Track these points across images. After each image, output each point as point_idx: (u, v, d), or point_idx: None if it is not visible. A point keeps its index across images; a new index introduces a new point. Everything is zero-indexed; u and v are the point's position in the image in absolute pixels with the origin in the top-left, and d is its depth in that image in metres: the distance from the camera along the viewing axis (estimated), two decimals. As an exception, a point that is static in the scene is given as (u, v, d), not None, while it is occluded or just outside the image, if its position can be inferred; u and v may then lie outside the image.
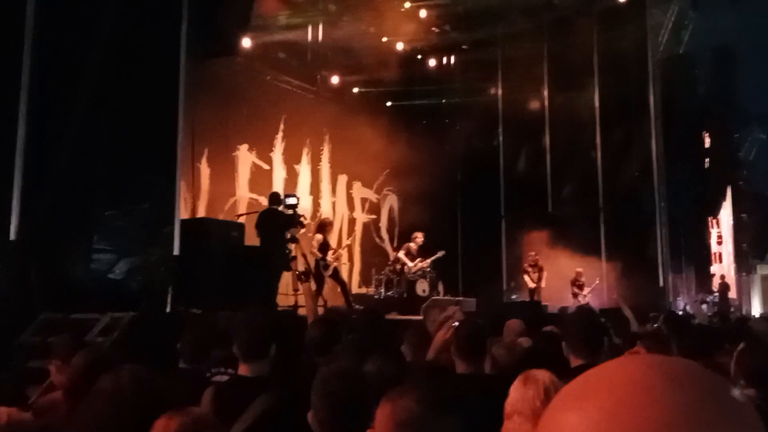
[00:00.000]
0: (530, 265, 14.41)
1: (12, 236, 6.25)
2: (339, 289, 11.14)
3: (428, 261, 12.76)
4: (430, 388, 1.80)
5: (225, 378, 3.42)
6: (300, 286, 8.59)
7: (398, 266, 12.86)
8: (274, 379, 3.04)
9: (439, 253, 12.87)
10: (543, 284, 14.25)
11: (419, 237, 12.88)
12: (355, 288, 14.35)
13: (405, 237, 13.96)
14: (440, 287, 13.94)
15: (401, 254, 12.89)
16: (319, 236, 11.03)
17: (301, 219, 10.13)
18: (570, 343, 3.36)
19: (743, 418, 0.53)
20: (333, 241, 11.96)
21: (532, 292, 14.30)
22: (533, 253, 14.63)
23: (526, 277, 14.49)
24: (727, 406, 0.53)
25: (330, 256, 10.92)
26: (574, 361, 3.28)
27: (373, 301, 12.47)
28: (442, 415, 1.75)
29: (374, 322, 4.31)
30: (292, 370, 3.39)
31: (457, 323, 3.59)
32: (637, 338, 4.69)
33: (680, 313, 12.63)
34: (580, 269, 14.58)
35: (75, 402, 2.54)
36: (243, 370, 3.02)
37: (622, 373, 0.55)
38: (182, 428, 1.83)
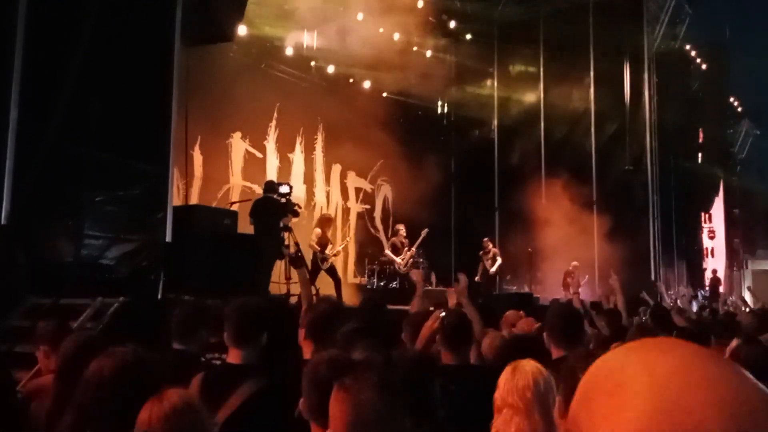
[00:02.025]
0: (484, 252, 13.84)
1: (2, 220, 6.20)
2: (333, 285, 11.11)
3: (414, 248, 12.61)
4: (382, 374, 1.70)
5: (218, 362, 3.42)
6: (294, 273, 8.55)
7: (390, 267, 12.74)
8: (262, 366, 3.03)
9: (423, 233, 12.59)
10: (493, 270, 13.61)
11: (401, 230, 12.68)
12: (350, 278, 14.34)
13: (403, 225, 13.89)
14: (433, 278, 13.94)
15: (387, 252, 12.72)
16: (318, 230, 11.00)
17: (296, 208, 10.11)
18: (550, 334, 3.42)
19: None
20: (331, 235, 11.88)
21: (487, 279, 13.76)
22: (486, 239, 14.22)
23: (481, 265, 13.70)
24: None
25: (329, 251, 10.91)
26: (555, 353, 3.33)
27: (366, 292, 12.46)
28: (396, 403, 1.65)
29: (375, 312, 4.30)
30: (281, 357, 3.38)
31: (443, 313, 3.59)
32: (626, 331, 4.70)
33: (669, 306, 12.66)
34: (575, 263, 14.59)
35: (64, 386, 2.54)
36: (233, 356, 3.01)
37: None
38: (165, 413, 1.85)
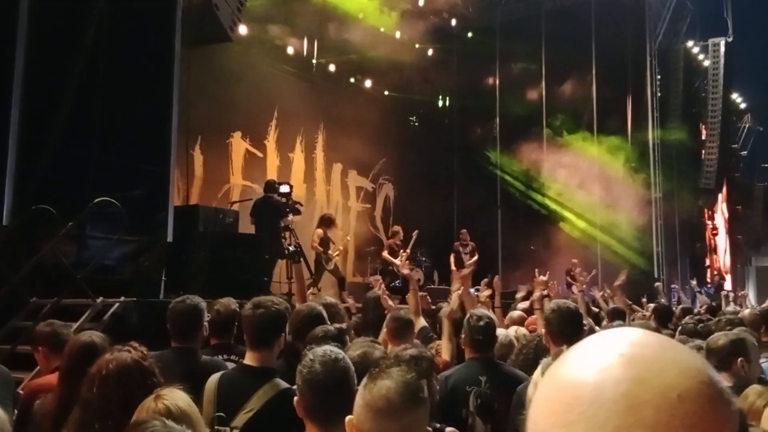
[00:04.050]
0: (462, 244, 13.35)
1: (4, 221, 6.22)
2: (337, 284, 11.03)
3: (408, 250, 12.24)
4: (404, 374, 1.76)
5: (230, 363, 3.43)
6: (293, 271, 8.55)
7: (389, 267, 12.50)
8: (280, 369, 3.03)
9: (414, 234, 11.99)
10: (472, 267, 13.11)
11: (399, 232, 12.37)
12: (349, 277, 14.33)
13: (400, 226, 13.84)
14: (435, 276, 13.93)
15: (385, 254, 12.40)
16: (320, 231, 10.90)
17: (297, 206, 10.12)
18: (549, 332, 3.44)
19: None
20: (332, 234, 11.76)
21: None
22: (464, 231, 13.83)
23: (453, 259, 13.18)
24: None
25: (332, 251, 10.83)
26: (554, 350, 3.36)
27: (368, 290, 12.39)
28: (417, 401, 1.72)
29: (376, 309, 4.29)
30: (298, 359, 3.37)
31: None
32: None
33: (667, 302, 12.64)
34: (575, 260, 14.55)
35: (70, 385, 2.57)
36: (250, 358, 2.99)
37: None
38: (160, 414, 1.89)
